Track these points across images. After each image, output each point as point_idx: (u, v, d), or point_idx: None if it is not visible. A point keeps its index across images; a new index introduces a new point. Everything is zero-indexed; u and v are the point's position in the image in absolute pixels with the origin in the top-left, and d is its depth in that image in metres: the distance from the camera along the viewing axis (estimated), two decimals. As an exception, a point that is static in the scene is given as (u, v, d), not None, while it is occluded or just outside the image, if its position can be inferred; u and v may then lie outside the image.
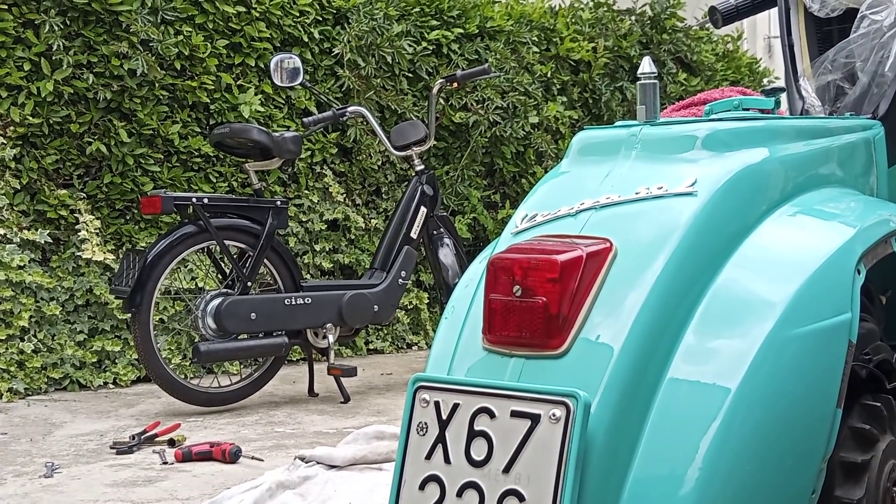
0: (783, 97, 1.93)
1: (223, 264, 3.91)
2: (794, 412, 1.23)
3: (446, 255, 4.22)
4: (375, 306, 4.00)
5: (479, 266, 1.51)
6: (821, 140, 1.58)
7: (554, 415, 1.13)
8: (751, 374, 1.21)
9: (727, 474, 1.17)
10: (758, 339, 1.23)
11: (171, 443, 3.13)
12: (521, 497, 1.11)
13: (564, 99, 5.86)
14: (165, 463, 2.95)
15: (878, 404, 1.39)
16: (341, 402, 3.86)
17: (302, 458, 2.76)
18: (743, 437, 1.19)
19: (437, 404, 1.23)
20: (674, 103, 2.04)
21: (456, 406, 1.21)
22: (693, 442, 1.17)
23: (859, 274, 1.35)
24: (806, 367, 1.25)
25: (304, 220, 4.91)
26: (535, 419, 1.14)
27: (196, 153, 4.58)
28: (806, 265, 1.32)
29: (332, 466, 2.74)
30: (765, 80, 7.01)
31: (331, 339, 3.90)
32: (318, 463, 2.74)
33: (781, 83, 2.11)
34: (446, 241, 4.24)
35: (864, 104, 1.85)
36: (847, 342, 1.28)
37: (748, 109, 1.67)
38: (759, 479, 1.20)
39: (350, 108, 4.21)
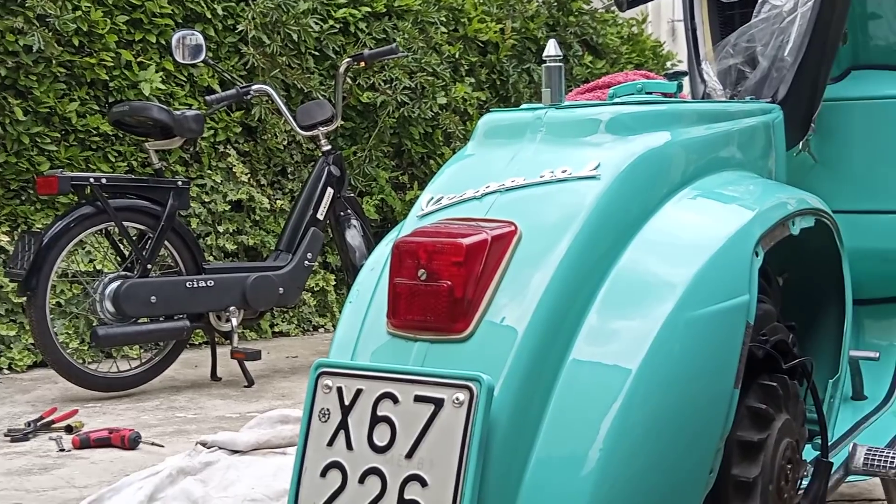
0: (685, 81, 1.96)
1: (122, 246, 3.82)
2: (693, 392, 1.25)
3: (353, 236, 4.19)
4: (280, 288, 3.95)
5: (384, 249, 1.49)
6: (721, 124, 1.60)
7: (457, 399, 1.12)
8: (651, 354, 1.22)
9: (628, 454, 1.18)
10: (658, 321, 1.24)
11: (69, 429, 3.05)
12: (423, 482, 1.10)
13: (472, 80, 5.86)
14: (62, 450, 2.88)
15: (775, 384, 1.42)
16: (245, 386, 3.81)
17: (203, 444, 2.71)
18: (643, 416, 1.20)
19: (339, 390, 1.21)
20: (580, 86, 2.05)
21: (359, 392, 1.20)
22: (594, 422, 1.18)
23: (757, 256, 1.37)
24: (705, 348, 1.27)
25: (206, 200, 4.82)
26: (438, 404, 1.13)
27: (94, 132, 4.45)
28: (705, 248, 1.33)
29: (235, 451, 2.70)
30: (668, 64, 7.13)
31: (234, 322, 3.84)
32: (220, 448, 2.70)
33: (684, 66, 2.14)
34: (353, 222, 4.21)
35: (765, 88, 1.88)
36: (745, 323, 1.30)
37: (651, 93, 1.69)
38: (659, 457, 1.21)
39: (254, 87, 4.14)
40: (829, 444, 1.64)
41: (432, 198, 1.42)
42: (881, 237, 2.24)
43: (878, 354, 2.15)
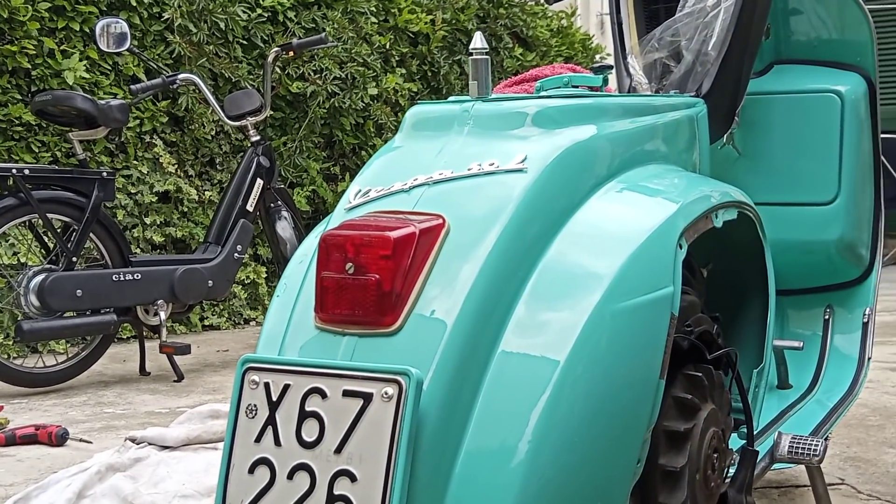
0: (612, 74, 1.98)
1: (46, 238, 3.74)
2: (620, 383, 1.26)
3: (284, 228, 4.15)
4: (210, 281, 3.91)
5: (313, 241, 1.48)
6: (646, 117, 1.62)
7: (386, 393, 1.12)
8: (578, 346, 1.23)
9: (556, 445, 1.19)
10: (585, 312, 1.25)
11: (-8, 427, 2.98)
12: (353, 477, 1.09)
13: (403, 71, 5.85)
14: (-15, 449, 2.81)
15: (700, 374, 1.45)
16: (174, 381, 3.76)
17: (133, 440, 2.67)
18: (571, 408, 1.21)
19: (266, 385, 1.20)
20: (510, 78, 2.06)
21: (287, 387, 1.19)
22: (523, 414, 1.19)
23: (681, 248, 1.39)
24: (631, 340, 1.28)
25: (133, 192, 4.74)
26: (367, 398, 1.13)
27: (17, 121, 4.34)
28: (630, 240, 1.35)
29: (165, 447, 2.67)
30: (597, 56, 7.19)
31: (162, 315, 3.79)
32: (149, 444, 2.66)
33: (612, 60, 2.16)
34: (284, 214, 4.18)
35: (689, 82, 1.90)
36: (669, 315, 1.32)
37: (577, 87, 1.70)
38: (587, 448, 1.22)
39: (181, 76, 4.08)
40: (755, 432, 1.67)
41: (360, 190, 1.41)
42: (803, 229, 2.29)
43: (801, 344, 2.20)
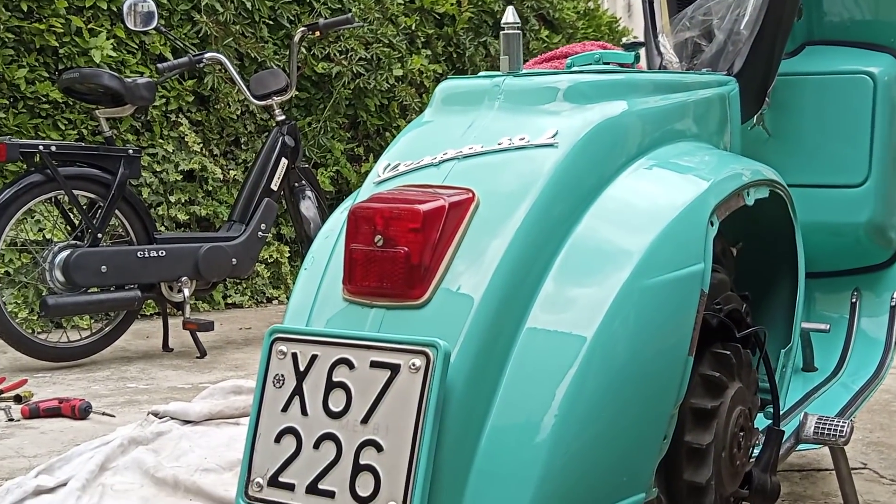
0: (642, 52, 1.96)
1: (72, 215, 3.76)
2: (648, 360, 1.25)
3: (308, 207, 4.16)
4: (233, 259, 3.92)
5: (339, 216, 1.48)
6: (678, 94, 1.60)
7: (414, 364, 1.11)
8: (606, 322, 1.22)
9: (582, 421, 1.19)
10: (614, 288, 1.24)
11: (18, 399, 3.00)
12: (379, 447, 1.10)
13: (429, 52, 5.83)
14: (11, 420, 2.83)
15: (728, 353, 1.44)
16: (197, 357, 3.78)
17: (155, 414, 2.69)
18: (598, 384, 1.20)
19: (294, 356, 1.20)
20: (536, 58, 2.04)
21: (314, 357, 1.19)
22: (549, 390, 1.18)
23: (712, 226, 1.38)
24: (660, 316, 1.27)
25: (158, 170, 4.75)
26: (394, 369, 1.13)
27: (44, 99, 4.36)
28: (661, 217, 1.34)
29: (187, 422, 2.68)
30: (623, 39, 7.14)
31: (186, 292, 3.81)
32: (172, 418, 2.68)
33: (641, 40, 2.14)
34: (308, 193, 4.18)
35: (720, 61, 1.89)
36: (699, 292, 1.31)
37: (608, 63, 1.68)
38: (613, 424, 1.22)
39: (207, 55, 4.08)
40: (781, 413, 1.66)
41: (389, 164, 1.41)
42: (832, 211, 2.27)
43: (828, 327, 2.18)
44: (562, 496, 1.16)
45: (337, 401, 1.15)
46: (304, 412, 1.16)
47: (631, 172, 1.41)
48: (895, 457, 2.93)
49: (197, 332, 3.79)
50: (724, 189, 1.44)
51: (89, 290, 3.64)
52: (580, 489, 1.19)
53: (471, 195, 1.27)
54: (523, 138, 1.35)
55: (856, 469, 2.76)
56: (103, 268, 3.56)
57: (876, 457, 2.93)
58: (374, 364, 1.14)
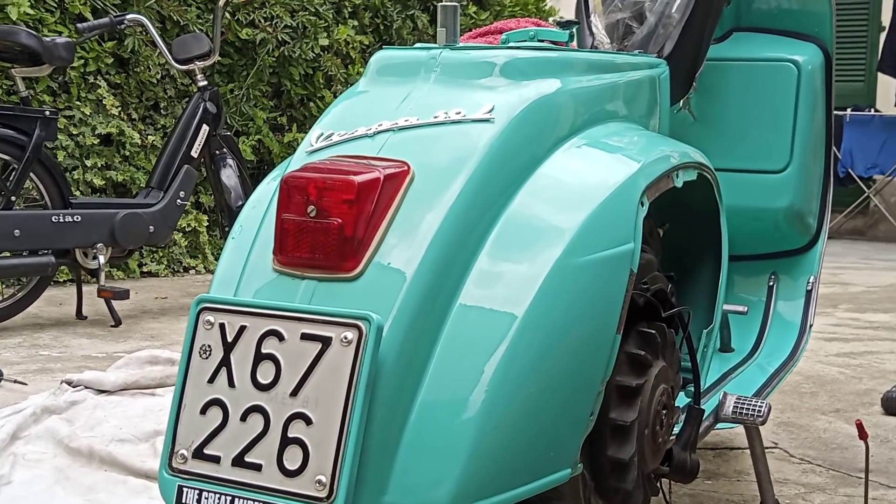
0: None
1: (-16, 176, 3.63)
2: (578, 337, 1.26)
3: (229, 176, 4.09)
4: (150, 227, 3.84)
5: (268, 186, 1.45)
6: (610, 75, 1.61)
7: (346, 338, 1.10)
8: (537, 299, 1.22)
9: (511, 397, 1.19)
10: (546, 266, 1.25)
11: (-78, 366, 2.90)
12: (308, 420, 1.08)
13: (355, 23, 5.77)
14: (-85, 387, 2.74)
15: (653, 332, 1.45)
16: (112, 326, 3.70)
17: (69, 383, 2.63)
18: (528, 360, 1.21)
19: (222, 326, 1.17)
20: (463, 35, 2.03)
21: (243, 328, 1.17)
22: (479, 365, 1.18)
23: (643, 206, 1.39)
24: (590, 294, 1.28)
25: (74, 133, 4.62)
26: (325, 342, 1.11)
27: (-46, 54, 4.20)
28: (593, 196, 1.34)
29: (102, 391, 2.63)
30: (551, 19, 7.17)
31: (101, 259, 3.72)
32: (86, 388, 2.62)
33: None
34: (229, 161, 4.11)
35: (651, 43, 1.90)
36: (629, 271, 1.32)
37: (543, 41, 1.68)
38: (541, 401, 1.22)
39: (128, 16, 3.97)
40: (701, 392, 1.69)
41: (322, 133, 1.39)
42: (753, 196, 2.31)
43: (746, 309, 2.23)
44: (490, 470, 1.16)
45: (266, 373, 1.13)
46: (231, 384, 1.14)
47: (564, 151, 1.41)
48: (805, 437, 3.02)
49: (112, 301, 3.71)
50: (654, 170, 1.46)
51: (1, 255, 3.53)
52: (508, 464, 1.19)
53: (406, 168, 1.26)
54: (459, 112, 1.34)
55: (767, 448, 2.83)
56: (16, 232, 3.45)
57: (786, 436, 3.02)
58: (304, 336, 1.13)
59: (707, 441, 2.83)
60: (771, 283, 2.37)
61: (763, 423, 1.84)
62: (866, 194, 9.05)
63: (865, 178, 9.14)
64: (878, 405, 3.31)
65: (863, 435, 1.81)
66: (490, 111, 1.33)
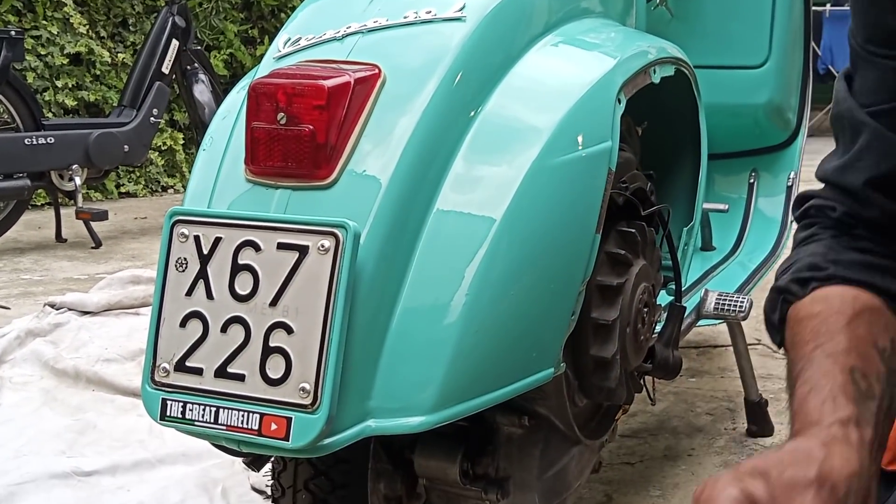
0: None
1: (-49, 100, 3.56)
2: (557, 237, 1.25)
3: (202, 91, 4.02)
4: (125, 146, 3.79)
5: (237, 95, 1.42)
6: (585, -30, 1.57)
7: (322, 246, 1.09)
8: (516, 201, 1.21)
9: (492, 300, 1.18)
10: (523, 167, 1.23)
11: None
12: (289, 329, 1.07)
13: (324, -70, 5.63)
14: None
15: (633, 230, 1.45)
16: (92, 248, 3.67)
17: (52, 305, 2.62)
18: (508, 262, 1.20)
19: (197, 238, 1.15)
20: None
21: (218, 240, 1.15)
22: (460, 269, 1.17)
23: (620, 103, 1.37)
24: (569, 194, 1.27)
25: (42, 53, 4.53)
26: (302, 251, 1.09)
27: (-89, -25, 4.09)
28: (569, 94, 1.32)
29: (86, 313, 2.62)
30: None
31: (77, 181, 3.68)
32: (69, 310, 2.62)
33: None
34: (201, 77, 4.04)
35: (626, -63, 1.85)
36: (607, 170, 1.31)
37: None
38: (523, 302, 1.22)
39: (90, -71, 3.86)
40: (683, 289, 1.69)
41: (289, 38, 1.35)
42: (732, 92, 2.29)
43: (727, 207, 2.22)
44: (473, 372, 1.16)
45: (244, 284, 1.11)
46: (209, 296, 1.13)
47: (538, 49, 1.38)
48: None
49: (91, 222, 3.68)
50: (631, 67, 1.43)
51: (-26, 180, 3.49)
52: (491, 365, 1.19)
53: (377, 71, 1.23)
54: (429, 11, 1.30)
55: (750, 344, 2.87)
56: (-12, 155, 3.41)
57: (767, 332, 3.04)
58: (281, 246, 1.11)
59: (690, 339, 2.86)
60: (751, 181, 2.36)
61: (745, 318, 1.85)
62: (846, 90, 9.01)
63: (845, 74, 9.08)
64: (859, 298, 3.34)
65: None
66: (461, 9, 1.30)
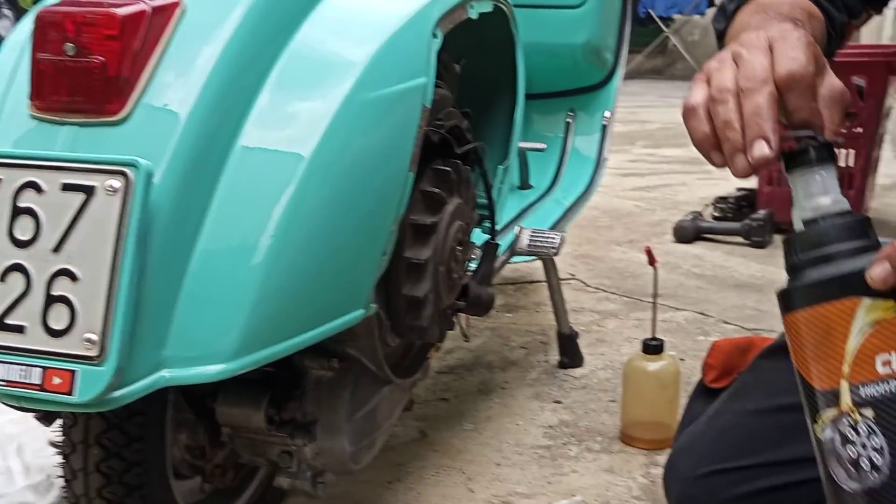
0: None
1: None
2: (369, 176, 1.22)
3: (6, 27, 3.77)
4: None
5: (27, 25, 1.31)
6: None
7: (111, 186, 1.01)
8: (326, 137, 1.16)
9: (301, 240, 1.14)
10: (334, 102, 1.18)
11: None
12: (73, 277, 1.00)
13: None
14: None
15: (448, 169, 1.43)
16: None
17: None
18: (317, 201, 1.15)
19: (-26, 180, 1.06)
20: None
21: (-3, 181, 1.05)
22: (265, 209, 1.12)
23: (436, 38, 1.34)
24: (381, 130, 1.23)
25: None
26: (89, 192, 1.02)
27: None
28: (383, 27, 1.27)
29: None
30: None
31: None
32: None
33: None
34: (5, 11, 3.78)
35: None
36: (421, 106, 1.28)
37: None
38: (332, 242, 1.18)
39: None
40: (498, 228, 1.70)
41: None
42: (551, 32, 2.30)
43: (545, 146, 2.24)
44: (278, 316, 1.12)
45: (24, 229, 1.03)
46: (-14, 242, 1.04)
47: (352, -21, 1.33)
48: (600, 267, 3.14)
49: None
50: (448, 1, 1.40)
51: None
52: (298, 308, 1.15)
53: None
54: (233, -63, 1.22)
55: (565, 279, 2.94)
56: None
57: (583, 268, 3.12)
58: (65, 187, 1.03)
59: (508, 276, 2.90)
60: (568, 120, 2.39)
61: (556, 254, 1.88)
62: (665, 34, 9.30)
63: (665, 18, 9.37)
64: (671, 234, 3.48)
65: (652, 261, 1.87)
66: (267, -65, 1.23)
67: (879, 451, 0.52)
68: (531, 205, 2.22)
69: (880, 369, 0.54)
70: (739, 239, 3.39)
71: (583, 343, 2.34)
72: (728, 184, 4.17)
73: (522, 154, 2.25)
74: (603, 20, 2.34)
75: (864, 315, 0.56)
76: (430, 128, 1.36)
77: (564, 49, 2.30)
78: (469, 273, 1.57)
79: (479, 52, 1.73)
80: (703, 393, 1.35)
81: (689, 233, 3.42)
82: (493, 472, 1.80)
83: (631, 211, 3.96)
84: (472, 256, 1.58)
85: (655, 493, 1.69)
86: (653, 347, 1.86)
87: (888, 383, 0.53)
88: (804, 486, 0.98)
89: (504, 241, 1.87)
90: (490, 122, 1.84)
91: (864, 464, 0.52)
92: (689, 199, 4.06)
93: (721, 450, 1.06)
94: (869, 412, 0.53)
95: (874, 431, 0.52)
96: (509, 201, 2.17)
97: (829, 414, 0.54)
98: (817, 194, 0.65)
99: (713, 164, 0.72)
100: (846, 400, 0.54)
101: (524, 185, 2.30)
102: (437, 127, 1.41)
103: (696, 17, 9.40)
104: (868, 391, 0.54)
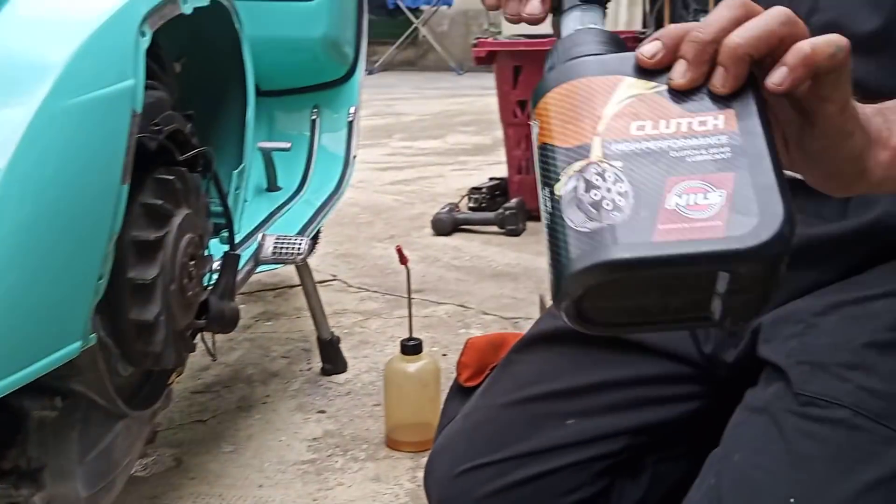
0: None
1: None
2: (74, 192, 1.09)
3: None
4: None
5: None
6: None
7: None
8: (22, 150, 1.03)
9: None
10: (30, 110, 1.05)
11: None
12: None
13: None
14: None
15: (171, 178, 1.32)
16: None
17: None
18: (14, 223, 1.02)
19: None
20: None
21: None
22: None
23: (143, 37, 1.22)
24: (85, 140, 1.11)
25: None
26: None
27: None
28: (83, 25, 1.15)
29: None
30: None
31: None
32: None
33: None
34: None
35: None
36: (130, 111, 1.16)
37: None
38: (35, 270, 1.05)
39: None
40: (241, 236, 1.60)
41: None
42: (287, 26, 2.21)
43: (290, 145, 2.15)
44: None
45: None
46: None
47: (48, -27, 1.20)
48: (362, 265, 3.09)
49: None
50: (156, -6, 1.28)
51: None
52: (0, 346, 1.02)
53: None
54: None
55: (326, 281, 2.86)
56: None
57: (345, 268, 3.06)
58: None
59: (266, 282, 2.80)
60: (314, 117, 2.31)
61: (304, 259, 1.80)
62: (414, 25, 9.39)
63: (413, 9, 9.46)
64: (430, 227, 3.47)
65: (403, 260, 1.83)
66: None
67: (623, 195, 0.53)
68: (281, 207, 2.12)
69: (634, 132, 0.55)
70: (495, 228, 3.43)
71: (346, 346, 2.28)
72: (482, 174, 4.22)
73: (268, 155, 2.15)
74: (338, 13, 2.27)
75: (626, 90, 0.57)
76: (144, 134, 1.24)
77: (302, 43, 2.22)
78: (208, 288, 1.47)
79: (203, 49, 1.62)
80: (459, 392, 1.31)
81: (446, 225, 3.43)
82: (254, 496, 1.70)
83: (391, 206, 3.93)
84: (210, 270, 1.47)
85: (422, 497, 1.64)
86: (411, 348, 1.82)
87: (640, 143, 0.55)
88: (555, 475, 0.98)
89: (249, 251, 1.77)
90: (222, 123, 1.73)
91: (607, 205, 0.53)
92: (447, 191, 4.07)
93: (475, 446, 1.03)
94: (618, 163, 0.54)
95: (621, 179, 0.54)
96: (258, 205, 2.07)
97: (575, 167, 0.55)
98: (579, 23, 0.65)
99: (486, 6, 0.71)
100: (597, 152, 0.55)
101: (272, 187, 2.20)
102: (154, 133, 1.29)
103: (444, 7, 9.54)
104: (620, 147, 0.55)
